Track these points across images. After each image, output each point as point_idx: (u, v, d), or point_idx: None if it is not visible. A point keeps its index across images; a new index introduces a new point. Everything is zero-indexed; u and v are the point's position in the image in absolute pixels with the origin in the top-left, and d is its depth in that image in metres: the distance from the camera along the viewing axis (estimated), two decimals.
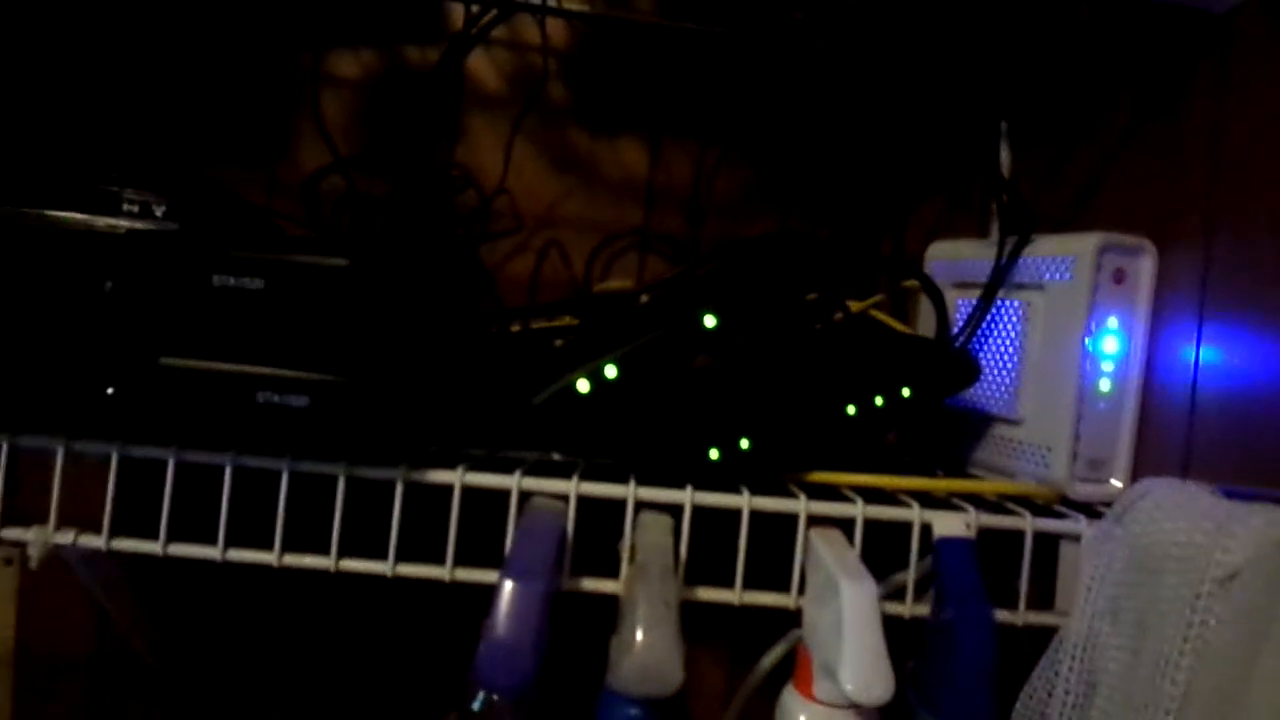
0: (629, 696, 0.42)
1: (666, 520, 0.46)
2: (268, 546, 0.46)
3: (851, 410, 0.48)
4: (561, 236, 0.72)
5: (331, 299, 0.40)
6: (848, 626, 0.41)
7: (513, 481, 0.46)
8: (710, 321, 0.49)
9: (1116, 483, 0.50)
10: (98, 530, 0.46)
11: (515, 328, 0.66)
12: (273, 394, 0.42)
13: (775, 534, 0.47)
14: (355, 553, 0.46)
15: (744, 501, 0.46)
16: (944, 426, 0.59)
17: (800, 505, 0.46)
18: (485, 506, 0.47)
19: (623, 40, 0.73)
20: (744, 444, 0.47)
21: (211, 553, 0.46)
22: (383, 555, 0.46)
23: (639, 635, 0.40)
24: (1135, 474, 0.49)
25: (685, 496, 0.46)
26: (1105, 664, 0.35)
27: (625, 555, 0.46)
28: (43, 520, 0.46)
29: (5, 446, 0.45)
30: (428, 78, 0.73)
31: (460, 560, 0.46)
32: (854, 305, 0.63)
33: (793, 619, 0.47)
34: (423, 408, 0.47)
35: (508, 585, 0.41)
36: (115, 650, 0.72)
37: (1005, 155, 0.68)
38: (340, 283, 0.40)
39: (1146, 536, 0.33)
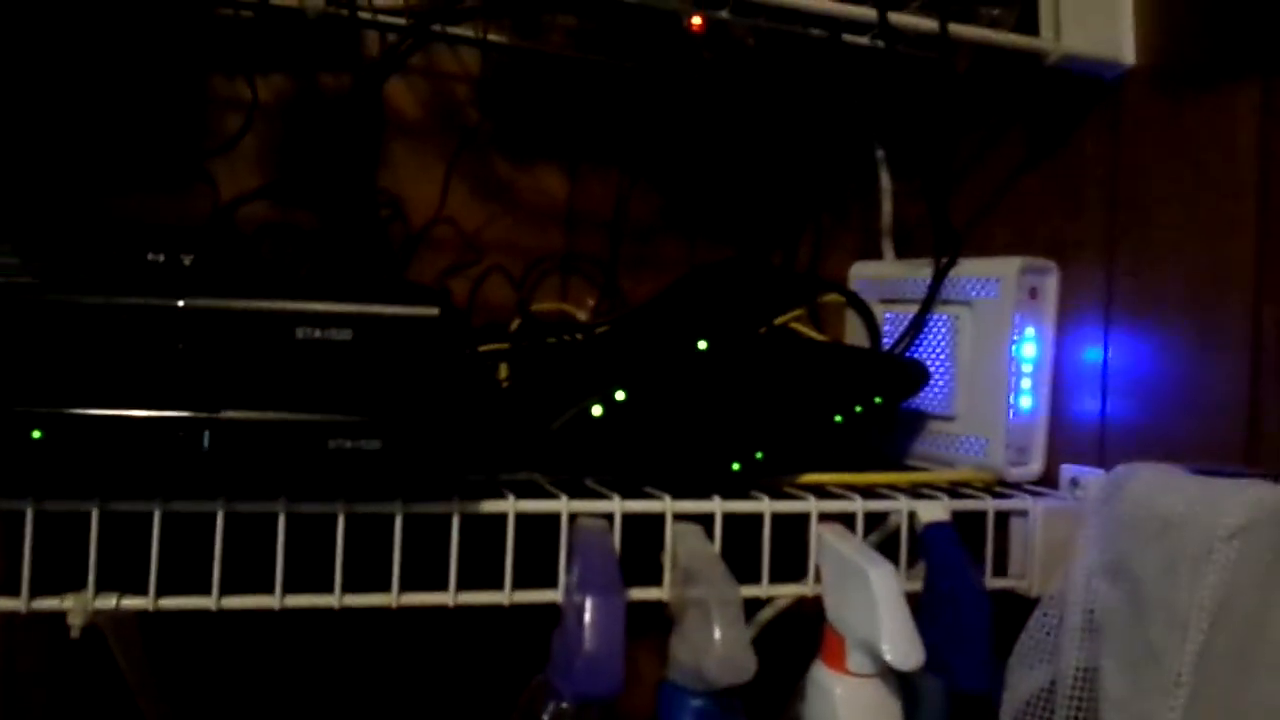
0: (694, 689, 0.47)
1: (698, 528, 0.51)
2: (319, 589, 0.46)
3: (838, 419, 0.55)
4: (486, 261, 0.74)
5: (421, 347, 0.42)
6: (882, 606, 0.47)
7: (562, 505, 0.49)
8: (703, 344, 0.54)
9: (1036, 465, 0.60)
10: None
11: None
12: (345, 440, 0.43)
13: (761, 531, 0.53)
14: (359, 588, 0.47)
15: (765, 506, 0.51)
16: (882, 426, 0.67)
17: (811, 505, 0.52)
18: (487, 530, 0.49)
19: (540, 71, 0.76)
20: (759, 455, 0.53)
21: (269, 601, 0.46)
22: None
23: (717, 633, 0.45)
24: (1051, 457, 0.60)
25: (716, 506, 0.51)
26: (1108, 614, 0.44)
27: (667, 563, 0.50)
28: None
29: (30, 513, 0.43)
30: (344, 104, 0.72)
31: (465, 584, 0.48)
32: (776, 320, 0.71)
33: None
34: (472, 440, 0.49)
35: (591, 601, 0.44)
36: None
37: (885, 180, 0.77)
38: (432, 332, 0.42)
39: (1144, 508, 0.42)
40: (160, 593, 0.45)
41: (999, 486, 0.59)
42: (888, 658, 0.46)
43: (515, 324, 0.71)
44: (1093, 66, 0.56)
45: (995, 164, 0.67)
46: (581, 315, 0.71)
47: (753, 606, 0.61)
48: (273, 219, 0.71)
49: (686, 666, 0.47)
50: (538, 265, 0.76)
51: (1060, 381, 0.60)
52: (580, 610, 0.44)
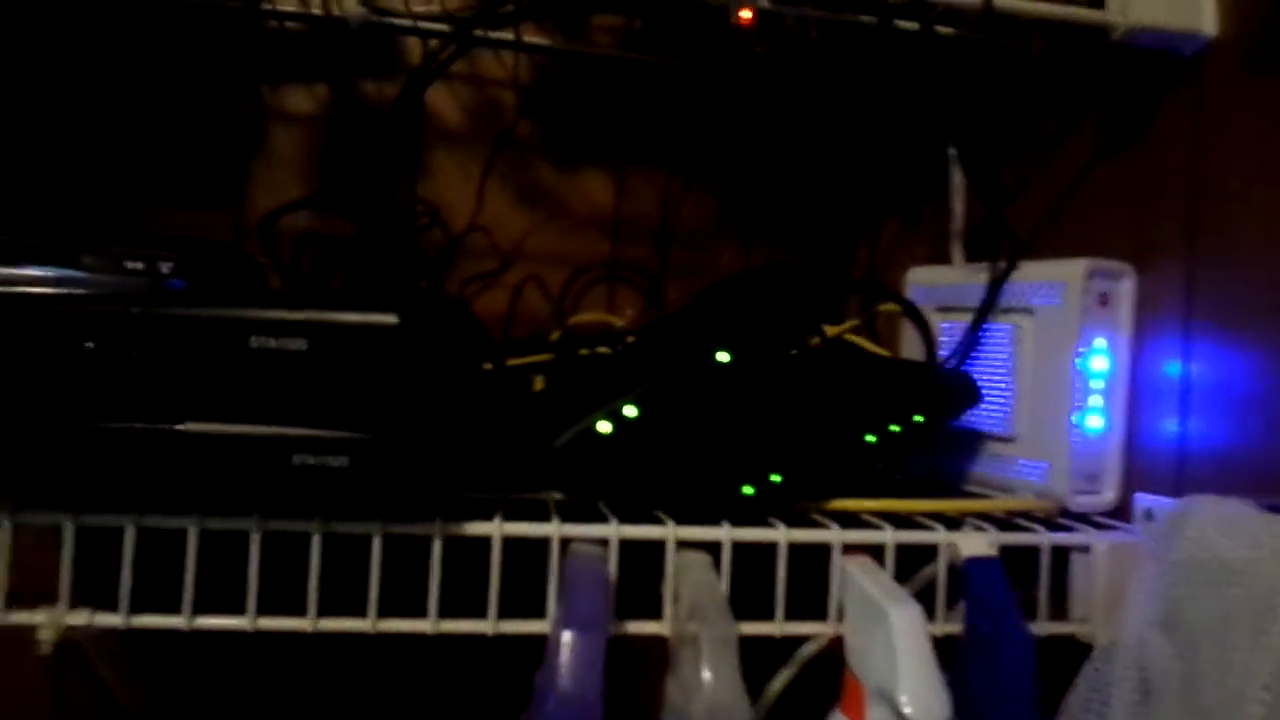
0: None
1: (706, 558, 0.47)
2: (294, 612, 0.44)
3: (871, 438, 0.50)
4: (530, 271, 0.72)
5: (380, 357, 0.39)
6: (901, 652, 0.42)
7: (553, 529, 0.45)
8: (724, 357, 0.50)
9: (1110, 494, 0.53)
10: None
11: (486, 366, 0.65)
12: (309, 456, 0.41)
13: (797, 563, 0.48)
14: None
15: (780, 535, 0.47)
16: (933, 446, 0.61)
17: (834, 535, 0.47)
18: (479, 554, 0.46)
19: (585, 73, 0.73)
20: (775, 477, 0.48)
21: (241, 623, 0.44)
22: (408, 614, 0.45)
23: (706, 674, 0.41)
24: (1128, 486, 0.52)
25: (724, 534, 0.46)
26: (1162, 671, 0.37)
27: (668, 596, 0.46)
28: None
29: (6, 524, 0.43)
30: (387, 113, 0.71)
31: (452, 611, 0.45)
32: (829, 330, 0.65)
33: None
34: (455, 458, 0.46)
35: (570, 636, 0.41)
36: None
37: (957, 179, 0.71)
38: (390, 341, 0.39)
39: (1203, 552, 0.36)
40: (134, 610, 0.43)
41: (1063, 518, 0.52)
42: (906, 711, 0.41)
43: (555, 335, 0.69)
44: (1168, 40, 0.49)
45: (1072, 159, 0.60)
46: (621, 326, 0.68)
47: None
48: (315, 229, 0.70)
49: (677, 709, 0.42)
50: (583, 274, 0.73)
51: (1139, 401, 0.53)
52: (557, 645, 0.41)
